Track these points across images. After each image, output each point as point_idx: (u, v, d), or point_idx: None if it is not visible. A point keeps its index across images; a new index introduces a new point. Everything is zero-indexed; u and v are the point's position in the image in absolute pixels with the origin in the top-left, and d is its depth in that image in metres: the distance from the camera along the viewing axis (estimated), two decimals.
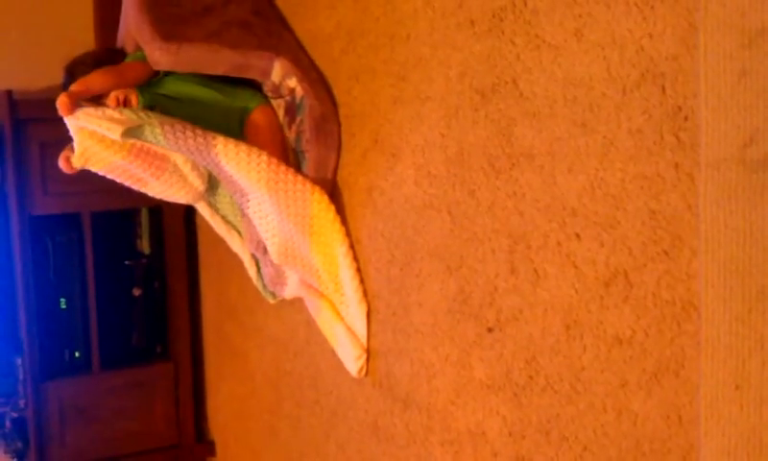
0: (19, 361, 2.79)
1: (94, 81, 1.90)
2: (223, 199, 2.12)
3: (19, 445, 2.84)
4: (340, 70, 1.86)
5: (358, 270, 1.81)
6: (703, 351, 1.04)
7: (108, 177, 1.98)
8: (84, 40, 3.14)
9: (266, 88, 2.03)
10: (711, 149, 1.01)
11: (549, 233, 1.27)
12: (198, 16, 1.98)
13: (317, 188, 1.83)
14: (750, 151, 0.97)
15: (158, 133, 1.81)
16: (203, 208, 2.18)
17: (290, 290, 2.08)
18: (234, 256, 2.37)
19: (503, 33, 1.34)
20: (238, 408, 2.75)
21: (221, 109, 2.01)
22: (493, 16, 1.36)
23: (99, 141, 1.85)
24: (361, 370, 1.82)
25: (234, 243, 2.23)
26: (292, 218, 1.84)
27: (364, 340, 1.80)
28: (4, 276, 2.82)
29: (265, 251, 2.05)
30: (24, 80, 3.03)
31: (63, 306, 2.85)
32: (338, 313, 1.87)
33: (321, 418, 2.09)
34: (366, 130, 1.77)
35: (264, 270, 2.18)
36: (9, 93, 2.67)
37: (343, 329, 1.83)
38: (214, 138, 1.82)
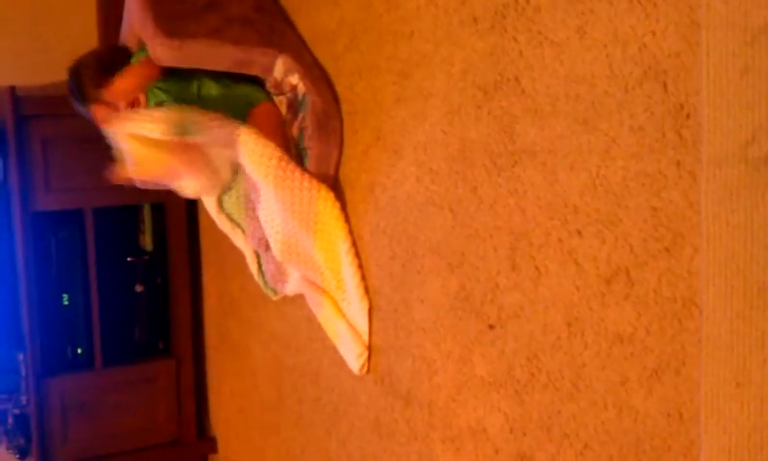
0: (21, 357, 2.79)
1: (120, 84, 1.93)
2: (229, 198, 2.13)
3: (21, 441, 2.84)
4: (342, 67, 1.86)
5: (360, 267, 1.81)
6: (704, 349, 1.04)
7: (158, 182, 1.99)
8: (88, 37, 3.15)
9: (268, 85, 2.03)
10: (713, 146, 1.01)
11: (551, 231, 1.27)
12: (200, 13, 1.98)
13: (323, 186, 1.84)
14: (752, 148, 0.97)
15: (198, 126, 1.86)
16: (210, 205, 2.19)
17: (291, 287, 2.09)
18: (236, 253, 2.37)
19: (506, 30, 1.34)
20: (240, 404, 2.75)
21: (224, 105, 2.01)
22: (496, 13, 1.36)
23: (148, 144, 1.89)
24: (363, 367, 1.82)
25: (238, 240, 2.24)
26: (297, 215, 1.85)
27: (365, 337, 1.80)
28: (6, 272, 2.82)
29: (267, 247, 2.05)
30: (27, 76, 3.03)
31: (66, 303, 2.85)
32: (340, 310, 1.87)
33: (322, 414, 2.09)
34: (368, 126, 1.77)
35: (265, 267, 2.18)
36: (12, 89, 2.67)
37: (344, 326, 1.84)
38: (237, 128, 1.86)
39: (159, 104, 2.00)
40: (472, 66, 1.43)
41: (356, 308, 1.81)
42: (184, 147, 1.91)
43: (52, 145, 2.75)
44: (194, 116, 1.87)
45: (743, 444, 1.00)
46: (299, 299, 2.11)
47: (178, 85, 2.02)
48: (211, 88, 2.04)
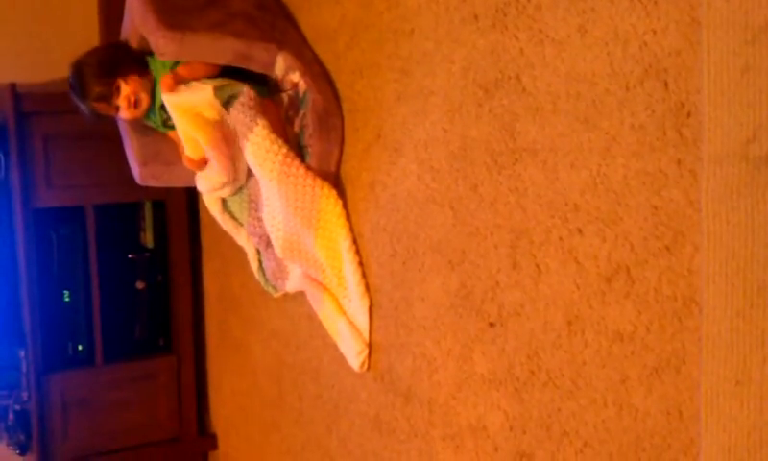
0: (22, 354, 2.80)
1: (198, 66, 1.97)
2: (233, 196, 2.14)
3: (22, 437, 2.84)
4: (343, 65, 1.86)
5: (360, 264, 1.81)
6: (704, 347, 1.04)
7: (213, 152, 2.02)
8: (89, 33, 3.15)
9: (270, 83, 2.03)
10: (714, 145, 1.01)
11: (551, 229, 1.27)
12: (201, 8, 1.98)
13: (326, 184, 1.84)
14: (752, 147, 0.97)
15: (238, 91, 1.91)
16: (213, 205, 2.20)
17: (291, 284, 2.09)
18: (237, 250, 2.37)
19: (507, 28, 1.34)
20: (240, 401, 2.76)
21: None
22: (497, 11, 1.36)
23: (193, 123, 1.94)
24: (363, 364, 1.82)
25: (240, 238, 2.24)
26: (299, 212, 1.85)
27: (366, 334, 1.81)
28: (8, 269, 2.82)
29: (268, 244, 2.05)
30: (28, 73, 3.03)
31: (67, 299, 2.85)
32: (340, 307, 1.87)
33: (323, 411, 2.09)
34: (369, 124, 1.77)
35: (266, 264, 2.18)
36: (12, 86, 2.67)
37: (345, 324, 1.84)
38: (257, 118, 1.89)
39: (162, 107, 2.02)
40: (473, 64, 1.43)
41: (357, 306, 1.81)
42: (221, 133, 1.93)
43: (53, 142, 2.76)
44: (236, 86, 1.92)
45: (743, 442, 1.00)
46: (299, 296, 2.11)
47: None
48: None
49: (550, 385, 1.30)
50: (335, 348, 1.94)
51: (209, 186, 2.05)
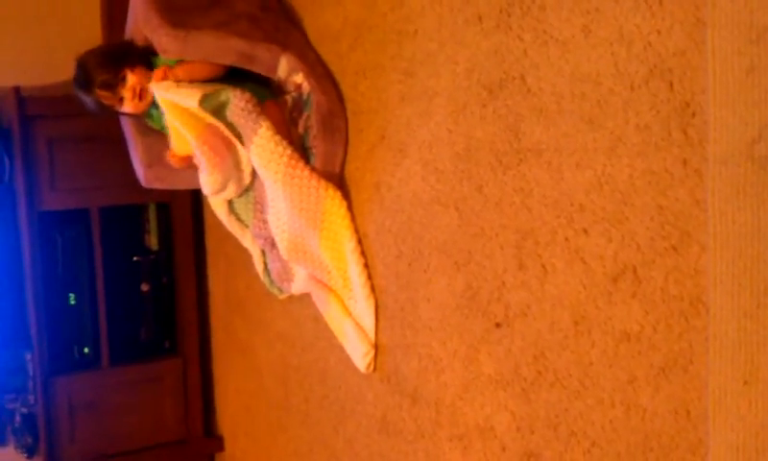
0: (29, 357, 2.80)
1: (195, 66, 1.96)
2: (239, 199, 2.14)
3: (29, 440, 2.85)
4: (347, 66, 1.86)
5: (366, 266, 1.81)
6: (711, 347, 1.04)
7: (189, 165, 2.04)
8: (92, 36, 3.15)
9: (273, 84, 2.03)
10: (719, 145, 1.01)
11: (557, 229, 1.27)
12: (205, 8, 1.98)
13: (331, 185, 1.84)
14: (758, 147, 0.97)
15: (229, 99, 1.90)
16: (219, 208, 2.20)
17: (297, 286, 2.09)
18: (242, 252, 2.37)
19: (511, 28, 1.34)
20: (246, 403, 2.76)
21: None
22: (501, 12, 1.36)
23: (181, 118, 1.94)
24: (369, 365, 1.83)
25: (246, 240, 2.25)
26: (304, 214, 1.85)
27: (372, 336, 1.81)
28: (13, 272, 2.83)
29: (273, 246, 2.05)
30: (32, 76, 3.03)
31: (72, 302, 2.86)
32: (346, 309, 1.87)
33: (329, 413, 2.10)
34: (373, 125, 1.77)
35: (271, 265, 2.18)
36: (16, 90, 2.67)
37: (351, 325, 1.84)
38: (260, 120, 1.88)
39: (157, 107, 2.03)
40: (477, 65, 1.43)
41: (362, 307, 1.81)
42: (215, 136, 1.92)
43: (57, 145, 2.76)
44: (227, 92, 1.90)
45: (751, 441, 1.00)
46: (305, 298, 2.12)
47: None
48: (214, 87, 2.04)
49: (557, 385, 1.30)
50: (341, 349, 1.94)
51: (211, 189, 2.05)
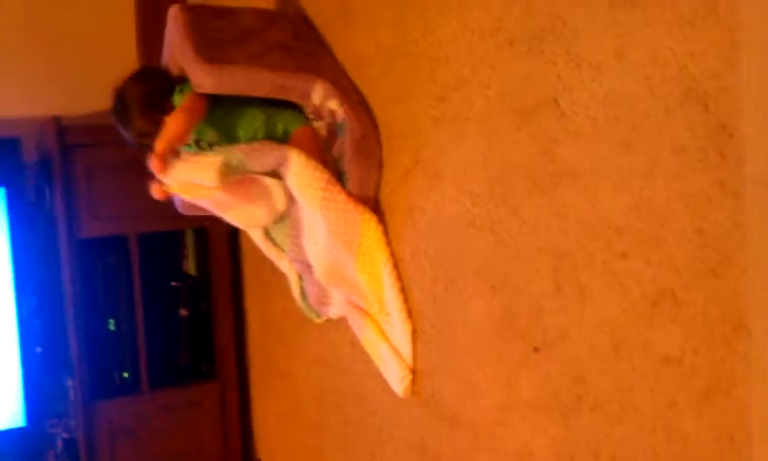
0: (70, 382, 2.84)
1: (173, 131, 1.92)
2: (276, 224, 2.15)
3: None
4: (380, 92, 1.87)
5: (402, 290, 1.82)
6: (754, 371, 1.03)
7: (199, 204, 2.02)
8: (129, 66, 3.20)
9: (307, 110, 2.05)
10: (757, 166, 1.01)
11: (594, 252, 1.27)
12: (239, 40, 2.01)
13: (367, 209, 1.85)
14: None
15: (242, 159, 1.87)
16: (256, 233, 2.22)
17: (334, 310, 2.10)
18: (278, 277, 2.39)
19: (543, 53, 1.34)
20: (284, 427, 2.77)
21: (263, 132, 2.04)
22: (533, 37, 1.36)
23: (189, 190, 1.93)
24: (406, 390, 1.82)
25: (283, 264, 2.26)
26: (340, 238, 1.86)
27: (409, 360, 1.81)
28: (54, 298, 2.87)
29: (310, 269, 2.06)
30: (70, 105, 3.09)
31: (112, 328, 2.90)
32: (383, 333, 1.87)
33: (367, 437, 2.09)
34: (407, 150, 1.78)
35: (309, 289, 2.19)
36: (56, 119, 2.72)
37: (388, 349, 1.84)
38: (287, 151, 1.88)
39: (201, 141, 2.04)
40: (510, 89, 1.43)
41: (399, 331, 1.82)
42: (238, 182, 1.93)
43: (96, 173, 2.81)
44: (237, 154, 1.87)
45: None
46: (341, 322, 2.12)
47: (221, 117, 2.04)
48: (251, 117, 2.05)
49: (597, 410, 1.29)
50: (378, 373, 1.94)
51: (241, 225, 2.08)
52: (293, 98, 1.98)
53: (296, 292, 2.26)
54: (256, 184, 1.96)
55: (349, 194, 1.87)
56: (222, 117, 2.04)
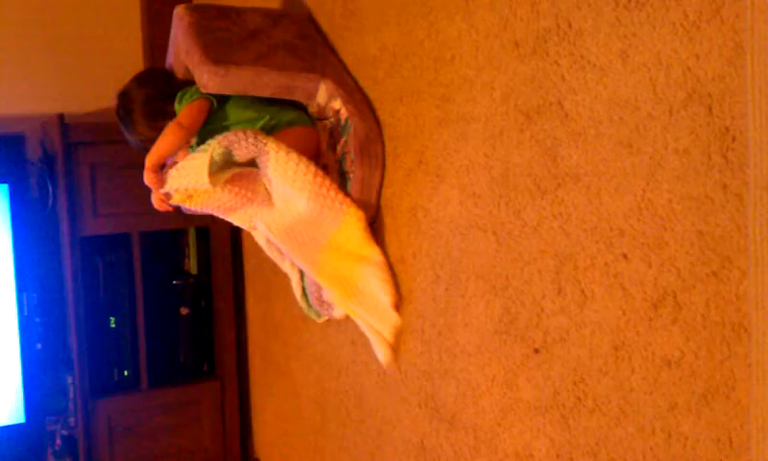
0: (70, 379, 2.84)
1: (164, 146, 1.93)
2: None
3: None
4: (384, 92, 1.87)
5: (394, 285, 1.83)
6: (754, 374, 1.03)
7: (205, 211, 2.02)
8: (133, 63, 3.22)
9: (311, 110, 2.05)
10: (760, 169, 1.01)
11: (596, 254, 1.27)
12: (245, 40, 2.01)
13: (353, 205, 1.86)
14: None
15: (224, 151, 1.85)
16: (259, 235, 2.22)
17: (339, 310, 2.09)
18: (279, 276, 2.39)
19: (548, 54, 1.34)
20: (284, 426, 2.77)
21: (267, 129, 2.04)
22: (538, 38, 1.36)
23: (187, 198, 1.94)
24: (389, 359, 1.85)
25: (285, 265, 2.26)
26: (315, 224, 1.88)
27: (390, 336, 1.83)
28: (55, 295, 2.88)
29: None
30: (74, 103, 3.10)
31: (113, 325, 2.90)
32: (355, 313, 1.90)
33: (366, 437, 2.10)
34: (410, 151, 1.78)
35: (309, 289, 2.19)
36: (61, 117, 2.73)
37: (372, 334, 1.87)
38: (265, 139, 1.87)
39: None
40: (514, 90, 1.43)
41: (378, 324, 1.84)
42: (240, 178, 1.93)
43: (99, 171, 2.81)
44: (218, 148, 1.85)
45: None
46: (342, 322, 2.12)
47: (221, 118, 2.04)
48: (250, 114, 2.05)
49: (597, 412, 1.29)
50: (378, 373, 1.95)
51: (245, 226, 2.09)
52: (298, 98, 1.98)
53: (297, 292, 2.26)
54: (256, 183, 1.96)
55: (337, 188, 1.87)
56: (222, 118, 2.04)
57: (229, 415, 3.04)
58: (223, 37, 1.99)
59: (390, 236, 1.88)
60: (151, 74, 2.25)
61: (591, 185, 1.27)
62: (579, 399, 1.32)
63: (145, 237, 2.91)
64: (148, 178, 1.90)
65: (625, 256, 1.21)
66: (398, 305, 1.83)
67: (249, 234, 2.34)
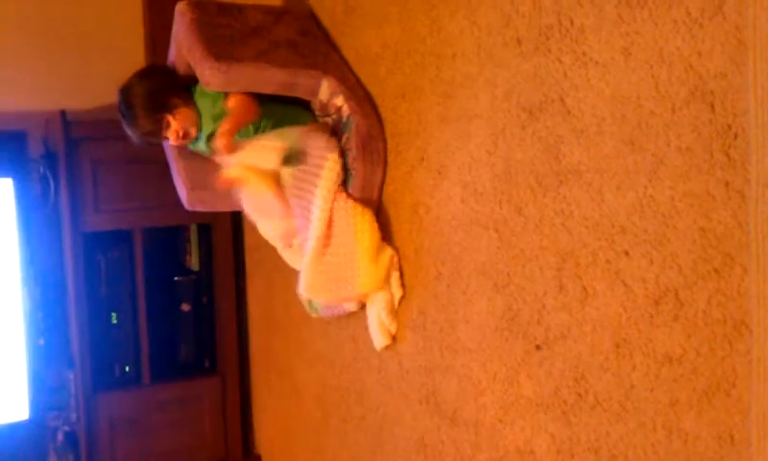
0: (71, 375, 2.84)
1: (241, 112, 1.98)
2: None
3: (71, 458, 2.88)
4: (386, 89, 1.88)
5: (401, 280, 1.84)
6: (754, 371, 1.03)
7: (245, 205, 2.08)
8: (135, 59, 3.21)
9: (314, 107, 2.05)
10: (762, 167, 1.01)
11: (598, 251, 1.27)
12: (247, 37, 2.01)
13: (364, 207, 1.87)
14: None
15: (297, 137, 1.94)
16: (290, 255, 2.24)
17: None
18: (280, 273, 2.39)
19: (550, 51, 1.34)
20: (285, 423, 2.77)
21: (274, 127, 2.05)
22: (540, 35, 1.36)
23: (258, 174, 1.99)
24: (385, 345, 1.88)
25: (296, 264, 2.26)
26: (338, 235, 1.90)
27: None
28: (57, 291, 2.88)
29: None
30: (76, 100, 3.10)
31: (114, 321, 2.90)
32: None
33: (367, 434, 2.10)
34: (412, 147, 1.78)
35: None
36: (62, 113, 2.73)
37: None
38: (331, 149, 1.92)
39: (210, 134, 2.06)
40: (516, 87, 1.43)
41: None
42: (289, 193, 1.98)
43: (101, 167, 2.81)
44: (293, 134, 1.95)
45: None
46: (342, 319, 2.12)
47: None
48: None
49: (598, 408, 1.29)
50: (379, 370, 1.95)
51: (275, 237, 2.12)
52: (300, 95, 1.98)
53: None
54: (303, 207, 1.98)
55: (349, 197, 1.90)
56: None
57: (231, 411, 3.04)
58: (224, 34, 1.98)
59: (391, 233, 1.88)
60: (152, 69, 2.26)
61: (593, 182, 1.27)
62: (580, 395, 1.32)
63: (147, 233, 2.91)
64: (223, 142, 1.92)
65: (627, 253, 1.22)
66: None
67: (250, 232, 2.34)
